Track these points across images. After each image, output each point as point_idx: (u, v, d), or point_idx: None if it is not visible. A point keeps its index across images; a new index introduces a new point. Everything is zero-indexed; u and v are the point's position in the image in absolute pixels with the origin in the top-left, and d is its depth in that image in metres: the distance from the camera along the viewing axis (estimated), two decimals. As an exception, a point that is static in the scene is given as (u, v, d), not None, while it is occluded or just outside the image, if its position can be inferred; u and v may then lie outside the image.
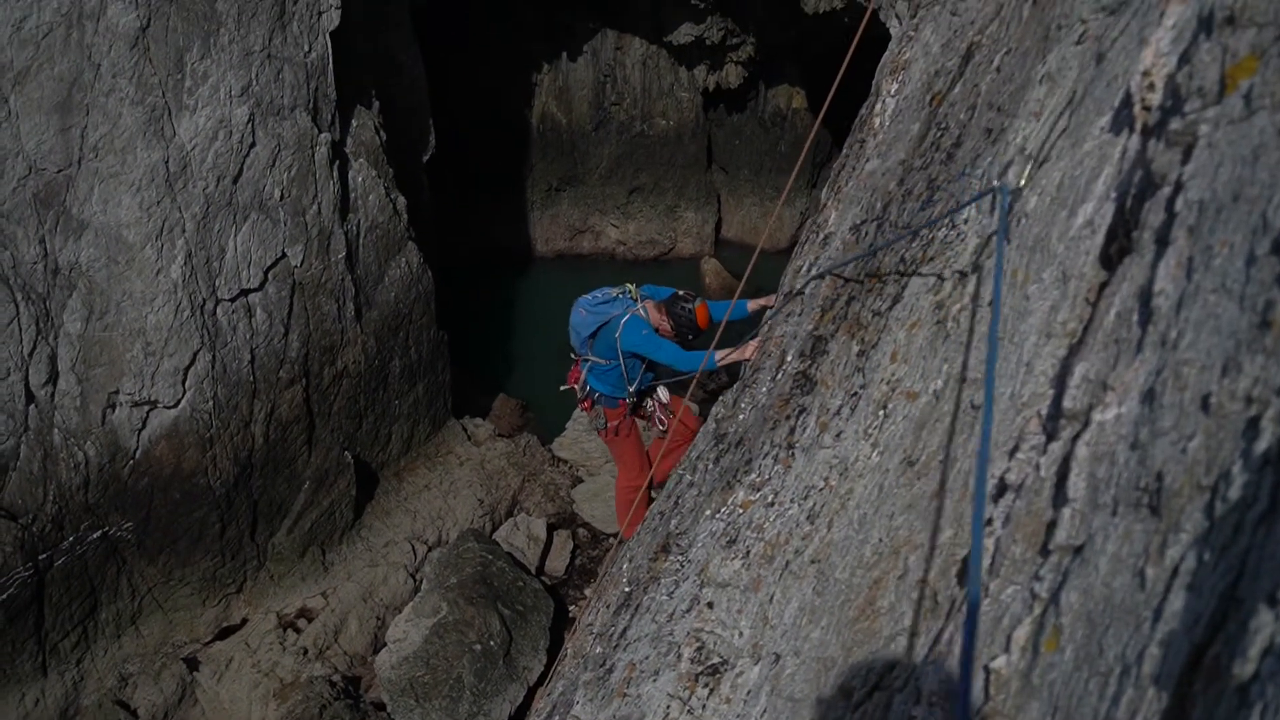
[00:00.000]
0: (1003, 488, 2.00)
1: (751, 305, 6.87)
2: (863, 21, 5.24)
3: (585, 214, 19.25)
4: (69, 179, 8.80)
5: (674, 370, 6.86)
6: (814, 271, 4.79)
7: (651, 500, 7.86)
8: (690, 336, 6.74)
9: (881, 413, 3.07)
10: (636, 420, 7.59)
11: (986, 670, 1.67)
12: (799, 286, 4.94)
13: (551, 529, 11.66)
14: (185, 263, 9.32)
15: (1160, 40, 2.03)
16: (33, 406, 8.78)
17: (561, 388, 7.68)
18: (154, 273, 9.18)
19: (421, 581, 10.82)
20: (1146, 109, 2.02)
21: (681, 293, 6.81)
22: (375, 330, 11.39)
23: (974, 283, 2.67)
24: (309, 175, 10.18)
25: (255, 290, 9.93)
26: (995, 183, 2.70)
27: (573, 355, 7.42)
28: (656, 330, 6.81)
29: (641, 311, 6.86)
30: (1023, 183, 2.59)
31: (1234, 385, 1.32)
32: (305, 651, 9.91)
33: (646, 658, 3.91)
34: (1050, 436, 1.90)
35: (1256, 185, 1.44)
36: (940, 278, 3.06)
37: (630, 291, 7.04)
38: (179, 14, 9.09)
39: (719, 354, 6.25)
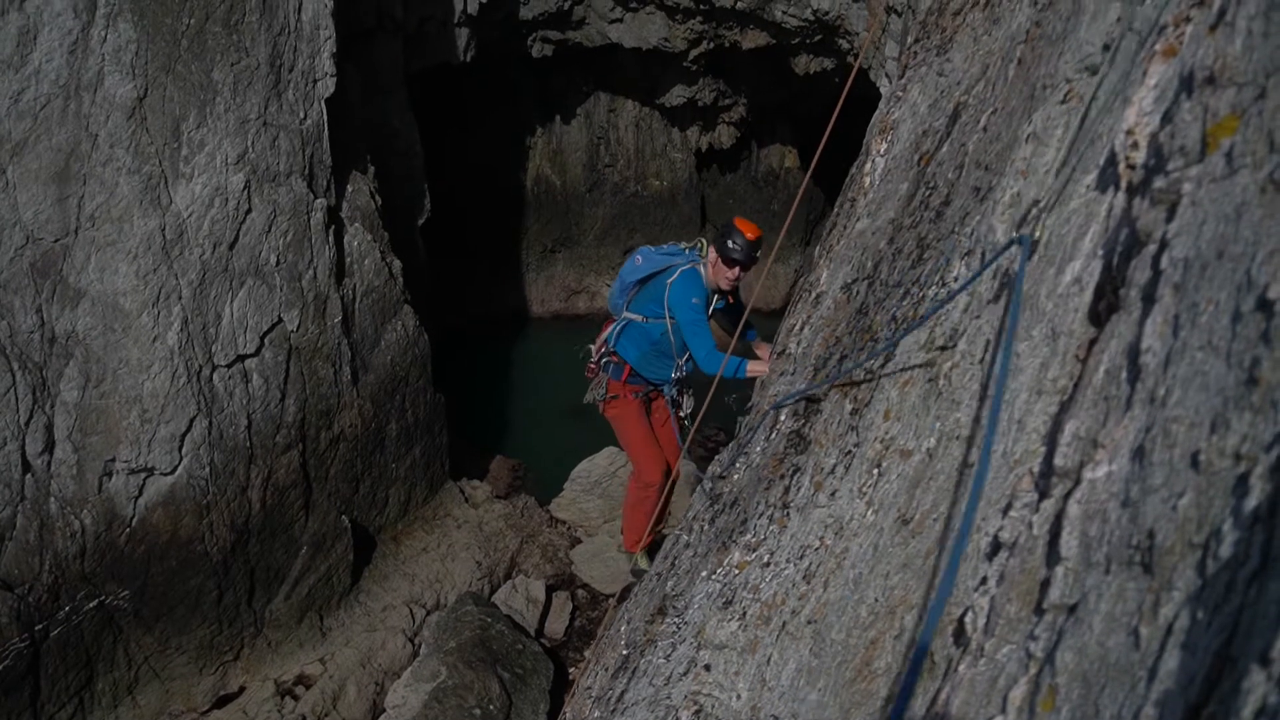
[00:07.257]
0: (996, 546, 2.00)
1: (758, 346, 6.78)
2: (848, 80, 5.30)
3: (580, 275, 19.35)
4: (66, 248, 8.83)
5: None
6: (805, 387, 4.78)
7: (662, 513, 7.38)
8: (738, 271, 6.36)
9: (876, 471, 3.07)
10: (643, 408, 7.07)
11: (984, 732, 1.66)
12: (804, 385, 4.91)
13: (550, 590, 11.56)
14: (182, 329, 9.33)
15: (1143, 99, 2.06)
16: (29, 475, 8.75)
17: (578, 348, 7.28)
18: (150, 340, 9.19)
19: (420, 646, 10.72)
20: (1131, 167, 2.04)
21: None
22: (372, 394, 11.38)
23: (965, 340, 2.67)
24: (305, 240, 10.24)
25: (252, 356, 9.93)
26: (1014, 234, 2.71)
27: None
28: (713, 290, 6.47)
29: (703, 268, 6.50)
30: (1038, 234, 2.60)
31: (1223, 442, 1.32)
32: (304, 719, 9.80)
33: (645, 722, 3.87)
34: (1042, 494, 1.90)
35: (1240, 243, 1.45)
36: (931, 336, 3.07)
37: (702, 249, 6.62)
38: (175, 84, 9.18)
39: (749, 365, 6.00)
